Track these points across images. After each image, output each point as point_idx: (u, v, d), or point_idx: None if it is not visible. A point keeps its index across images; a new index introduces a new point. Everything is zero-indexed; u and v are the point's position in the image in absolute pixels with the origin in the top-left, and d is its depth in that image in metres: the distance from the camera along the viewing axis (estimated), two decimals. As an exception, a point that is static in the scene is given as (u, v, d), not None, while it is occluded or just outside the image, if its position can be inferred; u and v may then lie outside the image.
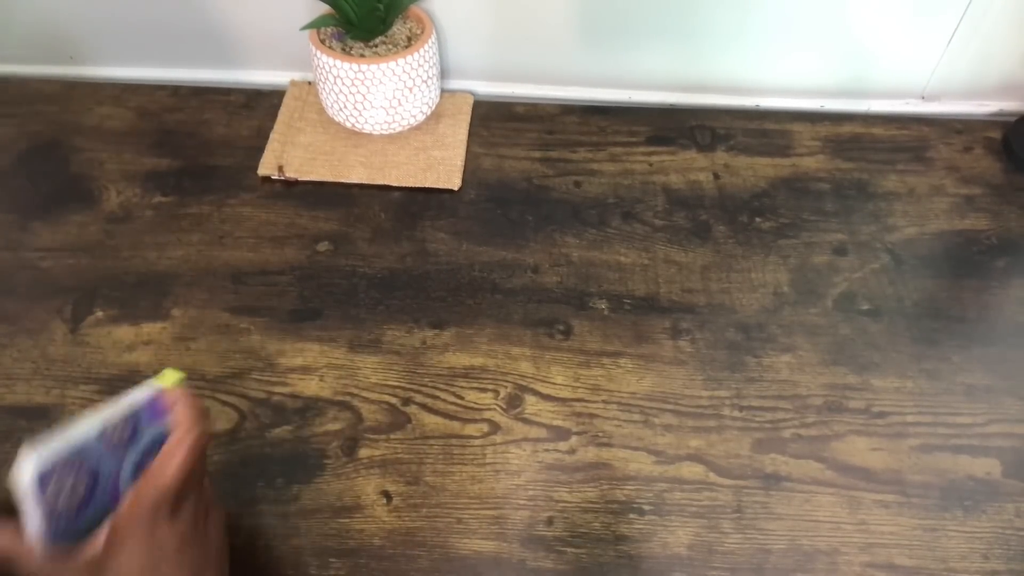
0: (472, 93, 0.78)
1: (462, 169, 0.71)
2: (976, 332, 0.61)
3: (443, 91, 0.77)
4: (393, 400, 0.56)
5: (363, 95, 0.68)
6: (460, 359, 0.59)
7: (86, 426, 0.39)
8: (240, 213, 0.68)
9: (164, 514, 0.38)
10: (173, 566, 0.38)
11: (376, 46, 0.69)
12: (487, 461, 0.53)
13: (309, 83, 0.78)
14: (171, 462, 0.39)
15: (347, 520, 0.51)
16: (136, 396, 0.41)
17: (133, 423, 0.40)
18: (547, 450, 0.54)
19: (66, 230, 0.67)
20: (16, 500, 0.36)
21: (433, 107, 0.74)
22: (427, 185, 0.70)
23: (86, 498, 0.38)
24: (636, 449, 0.54)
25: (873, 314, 0.61)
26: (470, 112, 0.76)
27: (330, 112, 0.73)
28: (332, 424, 0.55)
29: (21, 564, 0.37)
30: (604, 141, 0.74)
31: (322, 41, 0.68)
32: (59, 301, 0.62)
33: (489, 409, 0.56)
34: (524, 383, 0.57)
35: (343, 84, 0.68)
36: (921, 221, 0.68)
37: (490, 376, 0.58)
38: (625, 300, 0.62)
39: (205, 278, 0.63)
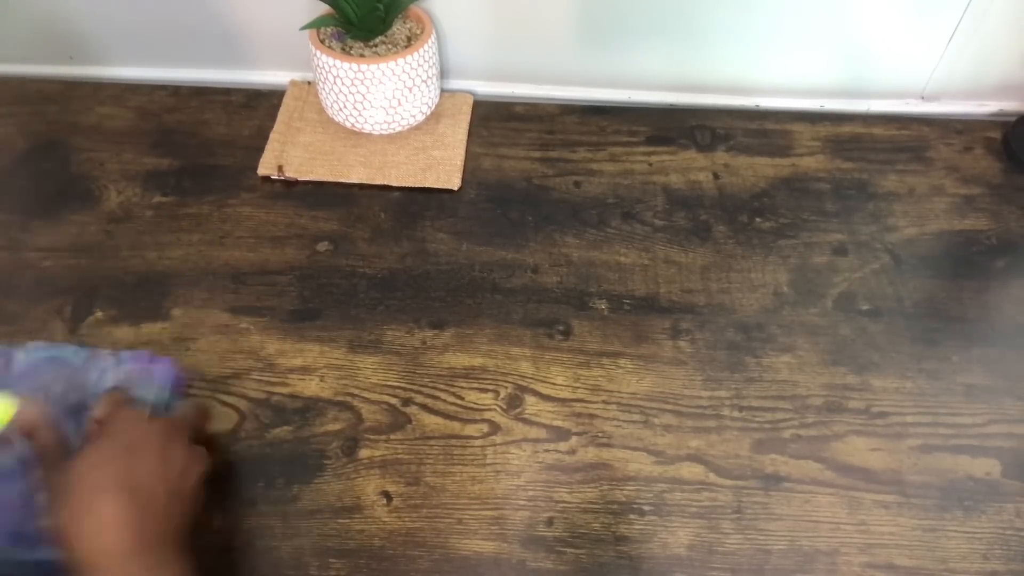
0: (472, 93, 0.78)
1: (462, 169, 0.71)
2: (976, 332, 0.61)
3: (443, 91, 0.77)
4: (393, 400, 0.56)
5: (363, 95, 0.68)
6: (460, 359, 0.59)
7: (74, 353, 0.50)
8: (240, 213, 0.68)
9: (175, 437, 0.46)
10: (143, 467, 0.43)
11: (376, 46, 0.69)
12: (487, 462, 0.53)
13: (309, 83, 0.78)
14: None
15: (347, 521, 0.51)
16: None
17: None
18: (547, 450, 0.54)
19: (66, 230, 0.67)
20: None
21: (433, 107, 0.74)
22: (427, 185, 0.70)
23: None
24: (636, 449, 0.54)
25: (873, 314, 0.61)
26: (470, 112, 0.76)
27: (330, 112, 0.73)
28: (332, 424, 0.55)
29: (40, 436, 0.44)
30: (604, 141, 0.74)
31: (322, 41, 0.68)
32: (59, 301, 0.62)
33: (489, 409, 0.56)
34: (524, 383, 0.57)
35: (343, 84, 0.68)
36: (921, 221, 0.68)
37: (490, 376, 0.58)
38: (625, 300, 0.62)
39: (205, 278, 0.63)
